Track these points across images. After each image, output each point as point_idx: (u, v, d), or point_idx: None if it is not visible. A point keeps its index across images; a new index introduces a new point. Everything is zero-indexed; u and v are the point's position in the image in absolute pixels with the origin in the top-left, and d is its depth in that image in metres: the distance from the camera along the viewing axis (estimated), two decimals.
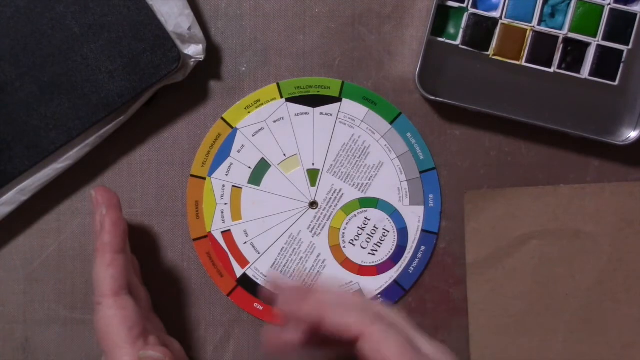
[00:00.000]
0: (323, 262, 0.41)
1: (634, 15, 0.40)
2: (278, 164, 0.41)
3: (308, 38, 0.41)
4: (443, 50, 0.40)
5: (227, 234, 0.41)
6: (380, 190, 0.41)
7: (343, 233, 0.41)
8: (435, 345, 0.30)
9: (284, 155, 0.41)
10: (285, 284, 0.35)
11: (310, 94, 0.41)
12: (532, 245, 0.41)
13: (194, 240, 0.41)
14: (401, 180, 0.41)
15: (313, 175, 0.41)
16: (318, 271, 0.41)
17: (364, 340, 0.29)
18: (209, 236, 0.41)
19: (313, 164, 0.41)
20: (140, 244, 0.41)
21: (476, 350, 0.41)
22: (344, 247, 0.41)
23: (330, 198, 0.41)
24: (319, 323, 0.30)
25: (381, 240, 0.41)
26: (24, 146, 0.38)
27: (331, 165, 0.41)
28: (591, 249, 0.41)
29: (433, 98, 0.39)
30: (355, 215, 0.41)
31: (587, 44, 0.40)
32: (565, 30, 0.40)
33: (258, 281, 0.41)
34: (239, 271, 0.41)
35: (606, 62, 0.40)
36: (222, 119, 0.41)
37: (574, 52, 0.40)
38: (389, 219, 0.41)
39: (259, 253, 0.41)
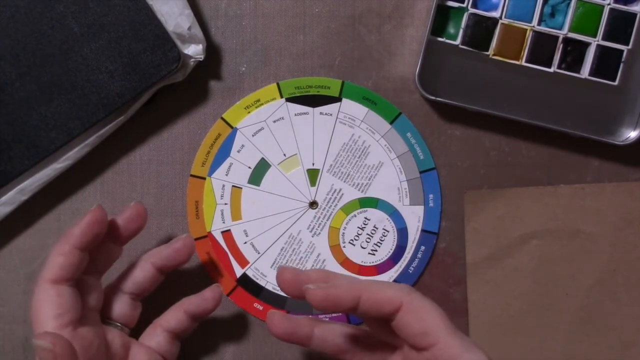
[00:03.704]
0: (323, 262, 0.41)
1: (634, 15, 0.40)
2: (278, 164, 0.41)
3: (308, 38, 0.41)
4: (443, 50, 0.40)
5: (227, 233, 0.41)
6: (380, 190, 0.41)
7: (343, 233, 0.41)
8: None
9: (284, 155, 0.41)
10: (305, 275, 0.33)
11: (310, 93, 0.41)
12: (532, 245, 0.41)
13: (194, 240, 0.41)
14: (401, 180, 0.41)
15: (313, 175, 0.41)
16: None
17: (404, 311, 0.29)
18: (208, 236, 0.41)
19: (313, 164, 0.41)
20: (141, 244, 0.41)
21: None
22: (344, 247, 0.41)
23: (330, 198, 0.41)
24: (356, 303, 0.30)
25: (381, 240, 0.41)
26: (24, 146, 0.38)
27: (331, 165, 0.41)
28: (591, 249, 0.41)
29: (433, 98, 0.39)
30: (355, 215, 0.41)
31: (587, 44, 0.40)
32: (565, 30, 0.40)
33: (258, 281, 0.41)
34: (239, 271, 0.41)
35: (606, 62, 0.40)
36: (222, 118, 0.41)
37: (574, 52, 0.40)
38: (389, 219, 0.41)
39: (258, 253, 0.41)
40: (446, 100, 0.39)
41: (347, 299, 0.30)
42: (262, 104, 0.41)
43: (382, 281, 0.32)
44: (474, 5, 0.40)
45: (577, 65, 0.40)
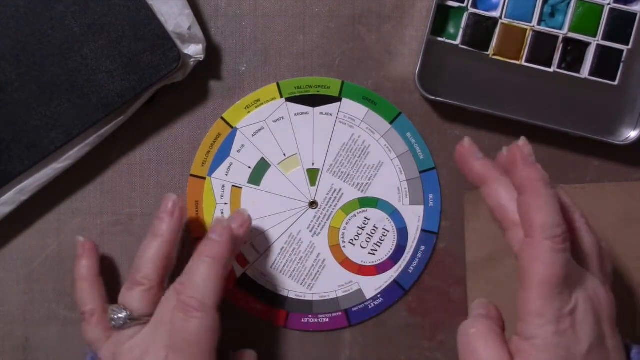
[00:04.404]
0: (323, 261, 0.41)
1: (634, 15, 0.40)
2: (278, 164, 0.41)
3: (308, 38, 0.41)
4: (443, 50, 0.40)
5: None
6: (380, 190, 0.41)
7: (343, 233, 0.41)
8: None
9: (284, 155, 0.41)
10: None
11: (310, 93, 0.41)
12: None
13: (194, 239, 0.41)
14: (401, 180, 0.41)
15: (313, 175, 0.41)
16: (318, 271, 0.41)
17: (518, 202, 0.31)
18: None
19: (313, 164, 0.41)
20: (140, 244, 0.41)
21: None
22: (344, 246, 0.41)
23: (330, 198, 0.41)
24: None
25: (381, 240, 0.41)
26: (24, 146, 0.38)
27: (331, 165, 0.41)
28: None
29: (433, 98, 0.39)
30: (355, 215, 0.41)
31: (587, 44, 0.40)
32: (565, 30, 0.40)
33: (258, 281, 0.41)
34: (238, 271, 0.41)
35: (606, 62, 0.40)
36: (222, 118, 0.41)
37: (574, 52, 0.40)
38: (389, 218, 0.41)
39: (258, 253, 0.41)
40: (446, 100, 0.39)
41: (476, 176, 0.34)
42: (262, 104, 0.41)
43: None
44: (474, 5, 0.40)
45: (577, 65, 0.40)
